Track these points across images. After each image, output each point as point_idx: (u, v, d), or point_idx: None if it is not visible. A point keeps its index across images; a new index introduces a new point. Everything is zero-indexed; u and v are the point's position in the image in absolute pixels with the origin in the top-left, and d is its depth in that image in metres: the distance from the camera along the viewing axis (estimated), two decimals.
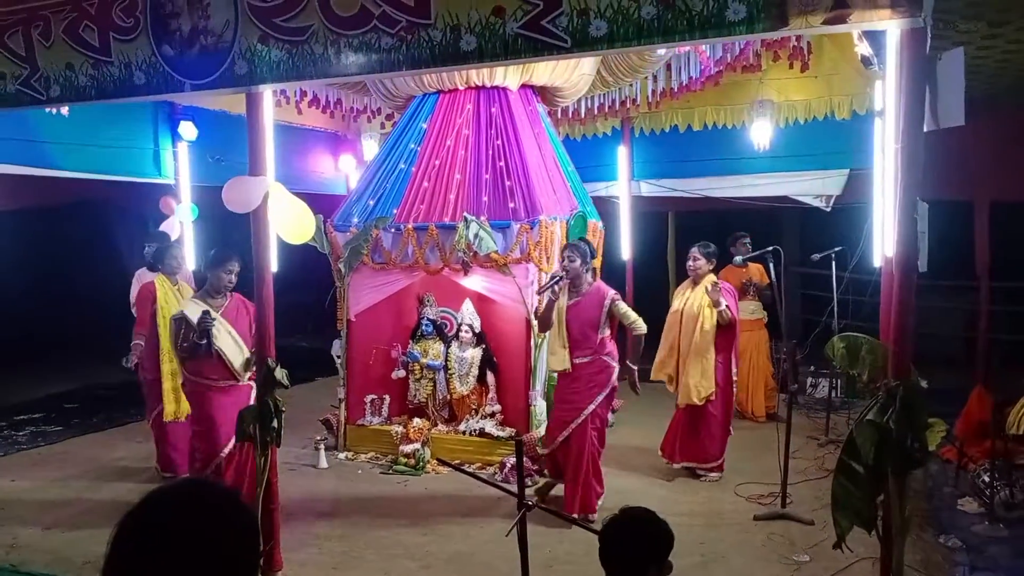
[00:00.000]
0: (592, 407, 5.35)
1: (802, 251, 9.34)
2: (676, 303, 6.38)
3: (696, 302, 6.15)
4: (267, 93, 4.35)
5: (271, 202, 4.37)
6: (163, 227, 7.62)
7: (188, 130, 8.06)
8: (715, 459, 6.15)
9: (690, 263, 6.28)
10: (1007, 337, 8.68)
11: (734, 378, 6.26)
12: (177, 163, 8.13)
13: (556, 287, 5.45)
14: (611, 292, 5.50)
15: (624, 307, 5.52)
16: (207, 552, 1.29)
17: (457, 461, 5.85)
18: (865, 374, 3.45)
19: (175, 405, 5.94)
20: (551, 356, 5.62)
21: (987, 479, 5.24)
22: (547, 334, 5.77)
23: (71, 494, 5.95)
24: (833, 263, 7.26)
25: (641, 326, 5.53)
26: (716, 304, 5.97)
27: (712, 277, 6.24)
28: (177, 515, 1.33)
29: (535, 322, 6.35)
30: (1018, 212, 8.98)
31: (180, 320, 5.05)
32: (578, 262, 5.42)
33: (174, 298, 6.01)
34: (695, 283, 6.27)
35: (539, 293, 5.74)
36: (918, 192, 3.14)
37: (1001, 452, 5.33)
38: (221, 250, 5.23)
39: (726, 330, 6.11)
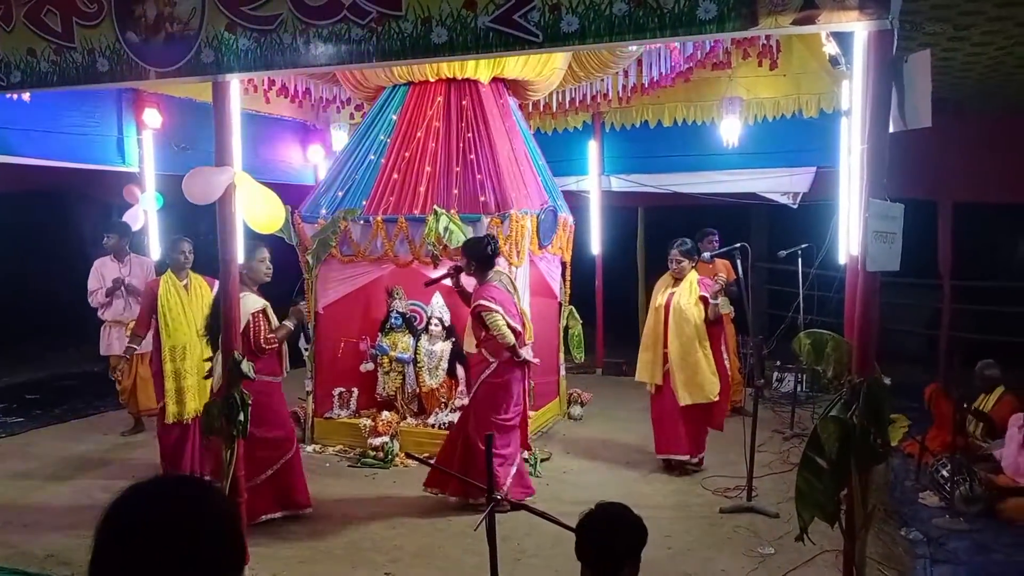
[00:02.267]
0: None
1: (770, 247, 9.45)
2: (659, 299, 6.22)
3: (683, 299, 6.02)
4: (234, 82, 4.29)
5: (239, 192, 4.31)
6: (127, 216, 7.51)
7: (153, 118, 7.93)
8: (700, 450, 6.17)
9: (673, 265, 6.14)
10: (968, 335, 8.85)
11: (727, 367, 6.19)
12: (142, 151, 7.98)
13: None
14: (483, 301, 5.37)
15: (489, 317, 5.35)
16: (190, 546, 1.28)
17: (426, 455, 5.83)
18: (830, 370, 3.49)
19: (177, 406, 5.68)
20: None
21: (946, 474, 5.34)
22: None
23: (33, 487, 5.85)
24: (799, 259, 7.34)
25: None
26: (714, 297, 5.91)
27: (694, 273, 6.17)
28: (158, 509, 1.32)
29: None
30: (980, 213, 9.16)
31: (260, 314, 4.99)
32: (465, 261, 5.48)
33: (177, 297, 5.76)
34: (676, 278, 6.17)
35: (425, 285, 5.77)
36: (883, 192, 3.19)
37: (961, 447, 5.43)
38: (251, 240, 5.13)
39: (714, 322, 6.08)
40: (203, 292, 5.86)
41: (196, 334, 5.65)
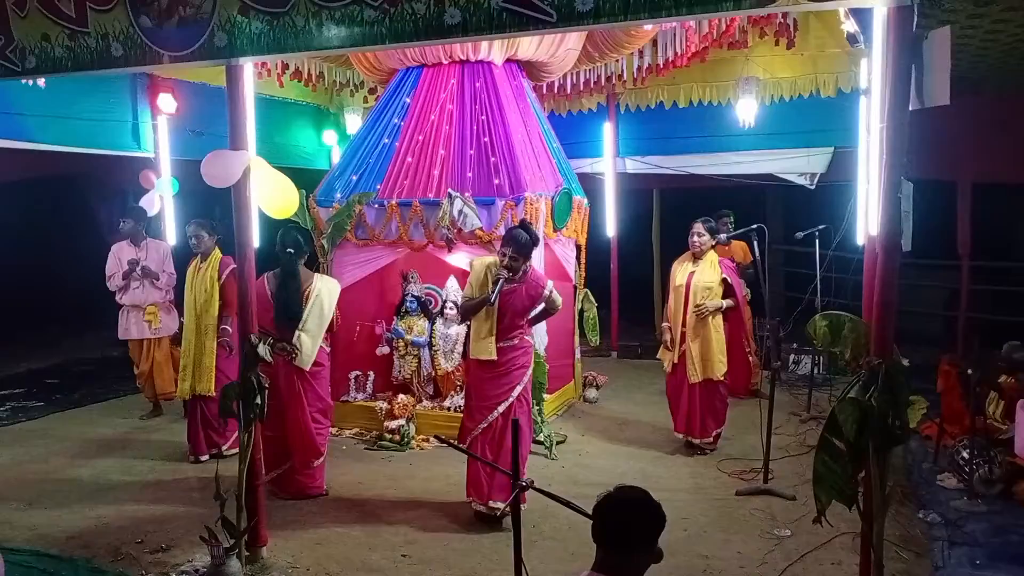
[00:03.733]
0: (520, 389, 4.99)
1: (786, 229, 9.37)
2: (679, 278, 6.19)
3: (704, 277, 6.07)
4: (248, 66, 4.28)
5: (253, 176, 4.32)
6: (143, 201, 7.54)
7: (167, 102, 7.94)
8: (720, 426, 6.22)
9: (694, 239, 6.14)
10: (987, 316, 8.77)
11: (748, 353, 6.25)
12: (156, 136, 8.01)
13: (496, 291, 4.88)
14: (549, 283, 5.11)
15: (556, 296, 5.12)
16: None
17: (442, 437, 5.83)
18: (847, 352, 3.47)
19: (185, 383, 6.08)
20: (475, 344, 4.99)
21: (966, 455, 5.30)
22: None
23: (52, 470, 5.92)
24: (817, 241, 7.28)
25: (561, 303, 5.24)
26: (717, 309, 6.04)
27: (713, 253, 6.18)
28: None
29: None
30: (999, 193, 9.05)
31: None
32: (520, 261, 4.86)
33: (190, 281, 6.10)
34: (696, 258, 6.17)
35: (491, 303, 4.86)
36: (902, 172, 3.15)
37: (980, 429, 5.39)
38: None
39: (733, 308, 6.19)
40: (206, 276, 6.06)
41: (193, 317, 6.02)
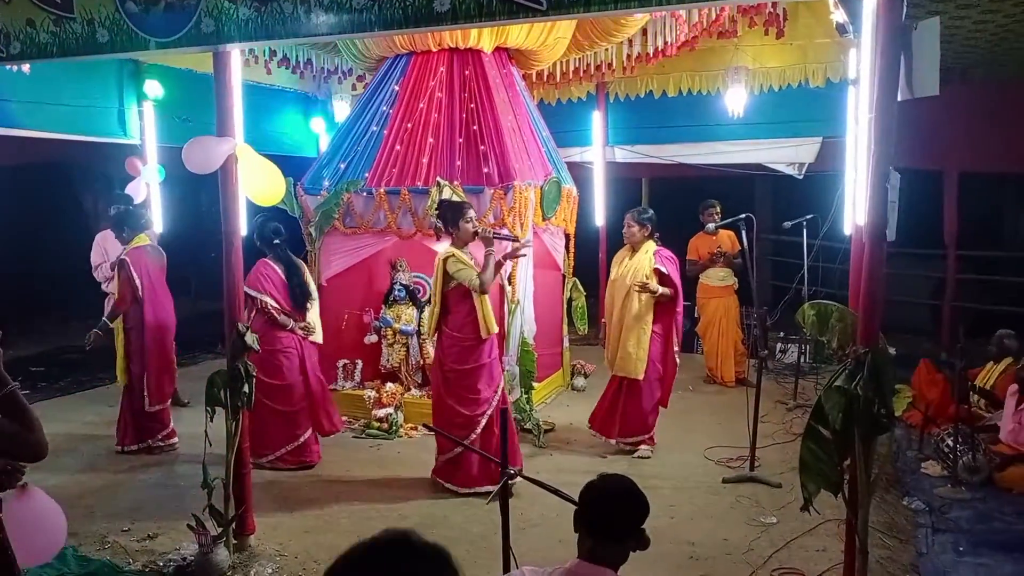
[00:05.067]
0: None
1: (774, 218, 9.40)
2: (614, 272, 6.04)
3: (634, 270, 5.82)
4: (235, 52, 4.25)
5: (240, 164, 4.29)
6: (129, 188, 7.48)
7: (154, 89, 7.87)
8: (644, 433, 5.92)
9: (624, 230, 5.97)
10: (972, 305, 8.84)
11: (676, 356, 5.91)
12: (143, 122, 7.94)
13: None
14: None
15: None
16: None
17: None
18: (834, 341, 3.49)
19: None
20: (490, 318, 5.15)
21: (951, 443, 5.36)
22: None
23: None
24: (804, 231, 7.31)
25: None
26: (652, 291, 5.68)
27: (652, 244, 5.89)
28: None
29: (508, 288, 6.36)
30: (985, 182, 9.11)
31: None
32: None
33: None
34: (633, 250, 5.95)
35: (508, 258, 5.23)
36: (890, 162, 3.16)
37: (964, 417, 5.44)
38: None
39: (665, 303, 5.80)
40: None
41: None
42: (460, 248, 5.09)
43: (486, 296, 5.08)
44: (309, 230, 6.78)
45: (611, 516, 2.28)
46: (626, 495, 2.33)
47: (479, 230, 5.09)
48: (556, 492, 2.72)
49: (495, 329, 5.17)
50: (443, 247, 5.41)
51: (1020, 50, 6.45)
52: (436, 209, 5.47)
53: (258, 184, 4.50)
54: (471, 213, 5.16)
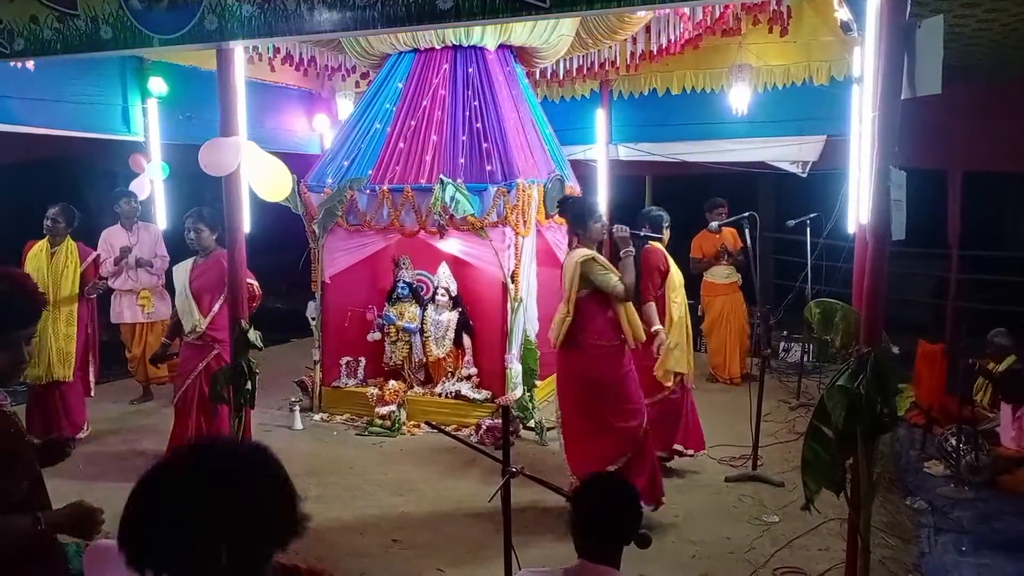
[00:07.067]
0: None
1: (778, 216, 9.40)
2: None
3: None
4: (238, 50, 4.25)
5: (245, 161, 4.30)
6: (133, 185, 7.50)
7: (158, 86, 7.88)
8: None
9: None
10: (975, 305, 8.81)
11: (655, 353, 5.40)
12: (147, 120, 7.95)
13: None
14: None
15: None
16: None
17: (453, 426, 5.86)
18: (838, 339, 3.49)
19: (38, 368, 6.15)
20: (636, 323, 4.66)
21: (954, 443, 5.35)
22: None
23: None
24: (808, 229, 7.30)
25: None
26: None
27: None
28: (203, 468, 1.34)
29: (511, 285, 6.35)
30: (989, 182, 9.08)
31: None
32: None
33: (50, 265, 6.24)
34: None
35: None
36: (893, 160, 3.15)
37: (968, 417, 5.43)
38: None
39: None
40: (59, 261, 6.20)
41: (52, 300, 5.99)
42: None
43: (629, 302, 4.65)
44: (312, 227, 6.78)
45: (611, 515, 2.28)
46: (625, 494, 2.33)
47: (612, 229, 4.68)
48: (558, 490, 2.72)
49: (643, 337, 4.72)
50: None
51: None
52: (559, 206, 4.99)
53: (263, 181, 4.52)
54: (600, 212, 4.80)
